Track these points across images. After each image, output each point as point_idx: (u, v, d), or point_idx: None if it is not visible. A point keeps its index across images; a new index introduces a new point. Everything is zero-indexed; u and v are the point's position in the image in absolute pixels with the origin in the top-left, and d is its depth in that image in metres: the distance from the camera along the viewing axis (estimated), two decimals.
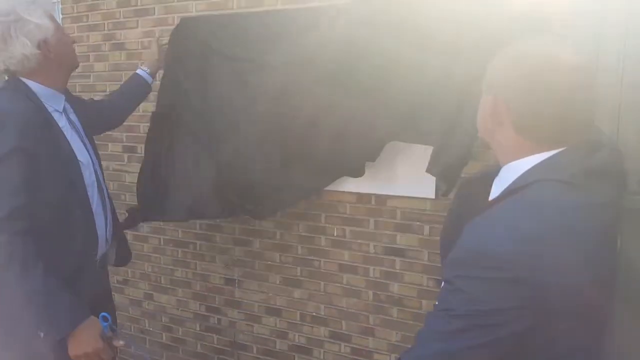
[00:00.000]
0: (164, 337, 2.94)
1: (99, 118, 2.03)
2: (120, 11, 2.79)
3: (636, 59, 1.89)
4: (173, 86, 2.27)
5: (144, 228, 2.88)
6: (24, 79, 1.59)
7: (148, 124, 2.73)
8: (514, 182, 0.89)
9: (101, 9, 2.85)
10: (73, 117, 1.75)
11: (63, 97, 1.71)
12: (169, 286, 2.87)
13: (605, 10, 1.92)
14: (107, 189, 1.86)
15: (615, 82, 1.93)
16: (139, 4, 2.72)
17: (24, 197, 1.42)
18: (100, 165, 1.88)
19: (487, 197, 0.98)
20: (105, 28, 2.85)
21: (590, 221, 0.83)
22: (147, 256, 2.91)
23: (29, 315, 1.44)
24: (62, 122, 1.65)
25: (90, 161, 1.73)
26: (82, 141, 1.73)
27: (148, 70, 2.25)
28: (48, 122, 1.57)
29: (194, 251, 2.77)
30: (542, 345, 0.81)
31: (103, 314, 1.48)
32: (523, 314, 0.78)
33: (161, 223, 2.83)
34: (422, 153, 2.13)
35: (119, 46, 2.81)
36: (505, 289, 0.77)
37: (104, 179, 1.86)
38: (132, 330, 3.02)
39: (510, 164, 0.93)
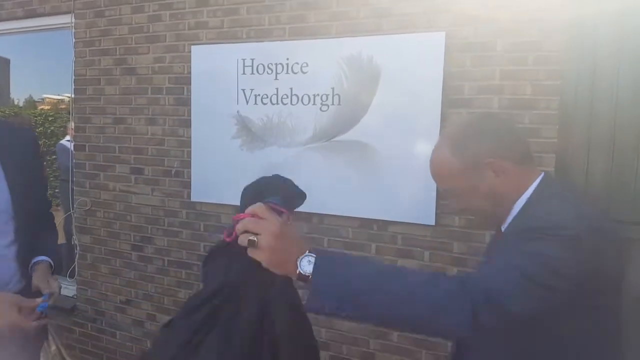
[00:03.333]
0: None
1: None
2: (132, 37, 2.88)
3: (630, 83, 1.97)
4: None
5: (149, 248, 2.93)
6: None
7: (156, 147, 2.83)
8: (523, 209, 1.08)
9: (113, 35, 2.94)
10: None
11: None
12: (172, 307, 2.89)
13: (598, 36, 2.00)
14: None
15: (609, 111, 2.01)
16: (150, 30, 2.82)
17: None
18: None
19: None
20: (117, 53, 2.94)
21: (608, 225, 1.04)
22: (150, 277, 2.94)
23: None
24: None
25: None
26: None
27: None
28: None
29: (197, 273, 2.80)
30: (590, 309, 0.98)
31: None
32: (583, 268, 0.93)
33: (165, 244, 2.87)
34: (424, 180, 2.19)
35: (130, 71, 2.90)
36: (572, 244, 0.93)
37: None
38: (134, 350, 3.03)
39: (512, 209, 1.10)
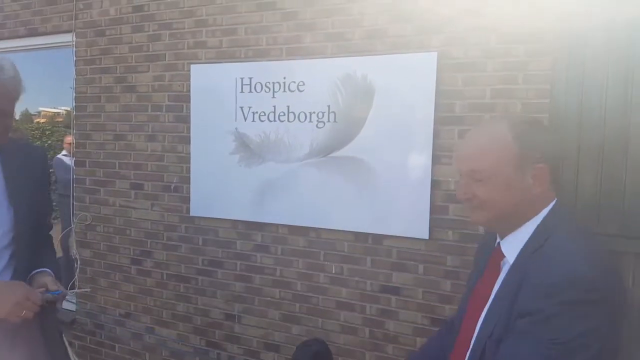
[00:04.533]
0: None
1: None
2: (132, 56, 2.95)
3: (617, 101, 2.04)
4: None
5: (148, 262, 2.97)
6: None
7: (155, 163, 2.89)
8: (534, 238, 1.03)
9: (114, 53, 3.01)
10: None
11: None
12: (170, 320, 2.93)
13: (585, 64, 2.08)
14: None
15: (597, 127, 2.07)
16: (150, 49, 2.89)
17: None
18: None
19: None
20: (117, 71, 3.01)
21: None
22: (149, 290, 2.98)
23: None
24: None
25: None
26: None
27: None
28: None
29: (195, 286, 2.85)
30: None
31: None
32: (609, 329, 0.91)
33: (164, 258, 2.92)
34: (418, 195, 2.25)
35: (130, 88, 2.96)
36: (597, 308, 0.89)
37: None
38: None
39: (518, 230, 1.06)
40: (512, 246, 1.06)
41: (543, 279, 0.92)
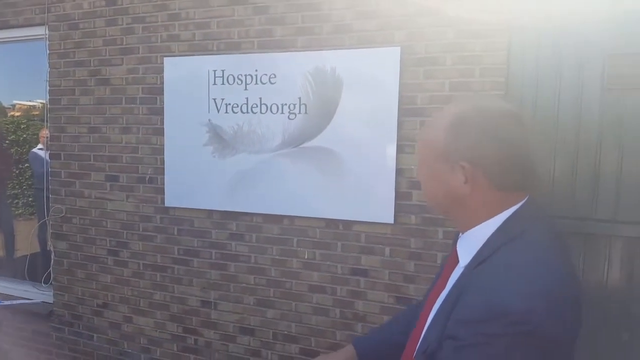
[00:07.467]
0: (142, 359, 3.05)
1: None
2: (106, 49, 2.99)
3: (570, 90, 2.19)
4: None
5: (124, 253, 3.03)
6: None
7: (130, 155, 2.94)
8: (487, 246, 0.90)
9: (88, 47, 3.04)
10: None
11: None
12: (147, 309, 3.00)
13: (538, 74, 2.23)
14: None
15: (552, 116, 2.23)
16: (124, 43, 2.93)
17: None
18: None
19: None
20: (92, 64, 3.04)
21: (570, 269, 0.87)
22: (126, 280, 3.04)
23: None
24: None
25: None
26: None
27: None
28: None
29: (172, 275, 2.92)
30: None
31: None
32: None
33: (140, 248, 2.98)
34: (384, 182, 2.38)
35: (104, 81, 3.00)
36: (525, 341, 0.77)
37: None
38: (111, 352, 3.12)
39: (474, 229, 0.93)
40: (466, 249, 0.94)
41: (470, 304, 0.83)
